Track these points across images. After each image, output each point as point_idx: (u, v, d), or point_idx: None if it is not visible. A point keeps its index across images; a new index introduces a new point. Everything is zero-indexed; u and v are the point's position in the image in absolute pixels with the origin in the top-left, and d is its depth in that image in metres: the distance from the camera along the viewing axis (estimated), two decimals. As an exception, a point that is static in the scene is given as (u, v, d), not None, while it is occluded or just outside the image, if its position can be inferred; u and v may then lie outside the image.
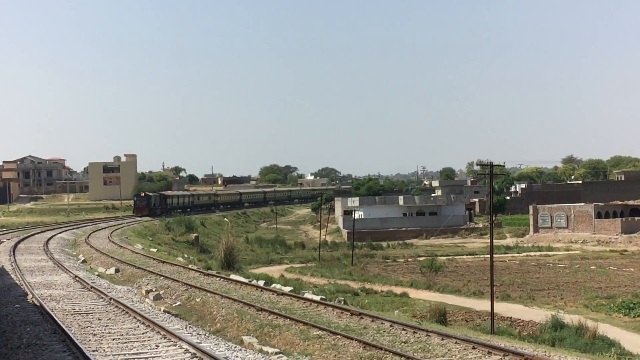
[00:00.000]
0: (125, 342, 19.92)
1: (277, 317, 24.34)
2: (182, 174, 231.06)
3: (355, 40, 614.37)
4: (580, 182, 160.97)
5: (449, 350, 19.53)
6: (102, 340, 20.25)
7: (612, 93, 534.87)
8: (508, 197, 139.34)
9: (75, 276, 36.50)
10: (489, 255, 43.96)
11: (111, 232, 74.81)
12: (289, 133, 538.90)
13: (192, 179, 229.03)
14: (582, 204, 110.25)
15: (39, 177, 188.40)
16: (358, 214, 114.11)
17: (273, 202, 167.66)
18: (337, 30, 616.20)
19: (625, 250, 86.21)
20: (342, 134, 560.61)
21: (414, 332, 22.05)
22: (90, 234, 72.11)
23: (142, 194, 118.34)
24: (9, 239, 67.04)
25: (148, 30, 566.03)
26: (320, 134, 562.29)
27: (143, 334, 21.15)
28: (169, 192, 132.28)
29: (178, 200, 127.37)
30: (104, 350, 18.85)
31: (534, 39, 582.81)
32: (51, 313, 24.16)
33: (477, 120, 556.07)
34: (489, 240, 45.48)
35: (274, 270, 65.92)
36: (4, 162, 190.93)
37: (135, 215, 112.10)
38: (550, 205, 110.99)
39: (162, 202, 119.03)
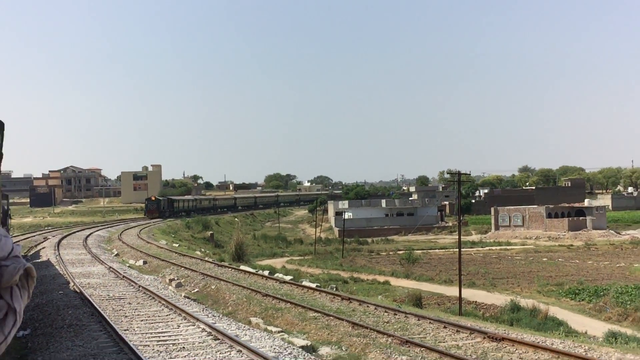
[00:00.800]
0: (152, 323, 19.90)
1: (279, 302, 24.33)
2: (200, 181, 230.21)
3: (345, 72, 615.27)
4: (533, 187, 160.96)
5: (424, 329, 19.55)
6: (132, 321, 20.23)
7: (561, 112, 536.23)
8: (473, 201, 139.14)
9: (110, 267, 36.47)
10: (457, 249, 44.02)
11: (140, 230, 74.70)
12: (290, 146, 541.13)
13: (208, 185, 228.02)
14: (536, 206, 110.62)
15: (79, 184, 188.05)
16: (347, 215, 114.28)
17: (262, 205, 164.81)
18: (326, 63, 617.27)
19: (572, 245, 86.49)
20: (334, 147, 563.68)
21: (395, 314, 22.07)
22: (122, 232, 72.01)
23: (153, 198, 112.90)
24: (54, 236, 66.98)
25: (172, 59, 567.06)
26: (316, 147, 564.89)
27: (167, 315, 21.12)
28: (175, 197, 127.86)
29: (183, 204, 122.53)
30: (134, 329, 18.83)
31: (497, 69, 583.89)
32: (89, 298, 24.11)
33: (448, 135, 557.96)
34: (457, 237, 45.51)
35: (276, 262, 65.91)
36: (49, 171, 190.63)
37: (146, 217, 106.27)
38: (508, 207, 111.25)
39: (170, 205, 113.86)
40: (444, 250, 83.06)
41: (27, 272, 1.91)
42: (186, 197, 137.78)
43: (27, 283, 1.92)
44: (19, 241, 59.29)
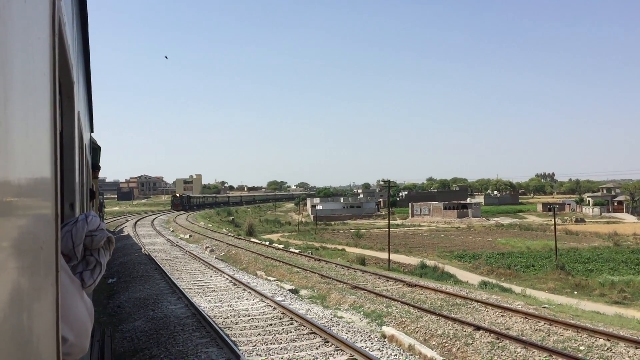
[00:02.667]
0: (194, 274, 19.73)
1: (275, 261, 24.23)
2: (225, 184, 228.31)
3: (323, 104, 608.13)
4: (436, 191, 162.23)
5: (366, 278, 19.58)
6: (182, 273, 20.04)
7: (453, 139, 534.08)
8: (398, 198, 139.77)
9: (168, 239, 36.10)
10: (387, 229, 44.16)
11: (187, 216, 74.05)
12: (284, 160, 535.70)
13: (231, 188, 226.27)
14: (437, 202, 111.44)
15: (149, 186, 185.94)
16: (319, 207, 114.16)
17: (245, 202, 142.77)
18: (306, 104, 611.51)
19: (459, 227, 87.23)
20: (312, 162, 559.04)
21: (348, 269, 22.07)
22: (176, 217, 71.31)
23: (177, 195, 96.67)
24: (132, 219, 66.17)
25: (208, 101, 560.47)
26: (300, 161, 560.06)
27: (204, 270, 20.95)
28: (192, 194, 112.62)
29: (196, 200, 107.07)
30: (182, 278, 18.65)
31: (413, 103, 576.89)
32: (154, 259, 23.86)
33: (383, 156, 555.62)
34: (387, 221, 45.66)
35: (274, 236, 65.51)
36: (130, 177, 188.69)
37: (172, 210, 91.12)
38: (420, 203, 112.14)
39: (188, 201, 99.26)
40: (379, 229, 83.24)
41: (108, 239, 1.95)
42: (198, 195, 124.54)
43: (109, 247, 1.97)
44: (109, 222, 58.45)
